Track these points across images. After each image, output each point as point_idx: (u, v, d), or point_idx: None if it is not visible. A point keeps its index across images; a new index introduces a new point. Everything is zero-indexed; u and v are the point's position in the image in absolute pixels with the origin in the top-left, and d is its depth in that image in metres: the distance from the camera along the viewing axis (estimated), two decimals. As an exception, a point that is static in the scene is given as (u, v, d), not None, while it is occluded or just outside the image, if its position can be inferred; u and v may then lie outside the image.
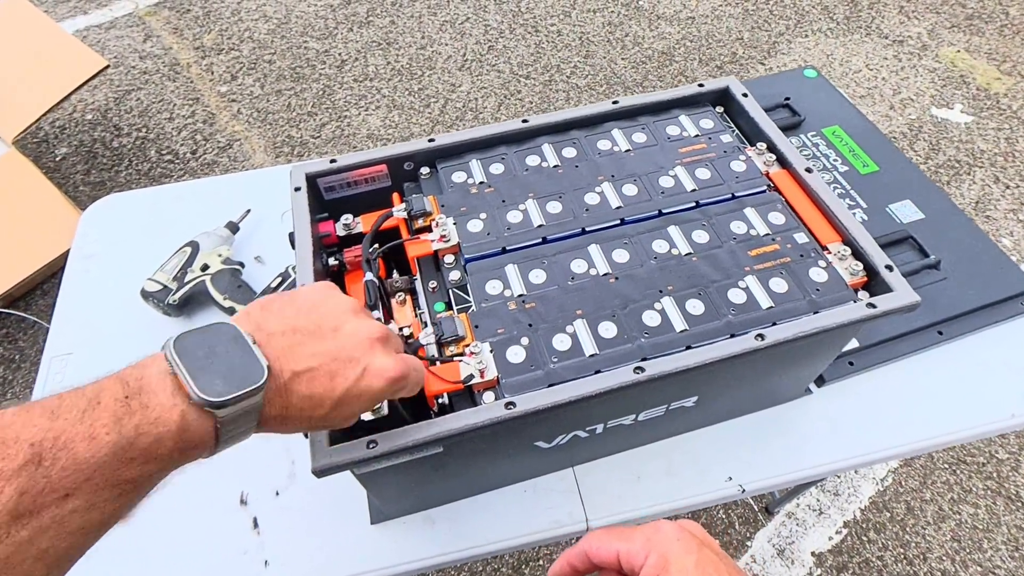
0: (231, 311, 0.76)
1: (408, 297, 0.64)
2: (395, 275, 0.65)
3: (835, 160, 0.90)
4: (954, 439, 0.71)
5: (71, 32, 2.54)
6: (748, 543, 1.38)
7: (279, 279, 0.74)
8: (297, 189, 0.62)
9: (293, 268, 0.75)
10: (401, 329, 0.61)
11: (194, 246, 0.81)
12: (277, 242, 0.89)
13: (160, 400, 0.31)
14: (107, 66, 1.70)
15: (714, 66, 2.35)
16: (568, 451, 0.63)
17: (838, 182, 0.87)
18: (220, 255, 0.81)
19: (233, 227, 0.86)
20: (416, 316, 0.62)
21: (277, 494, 0.67)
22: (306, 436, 0.45)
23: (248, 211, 0.88)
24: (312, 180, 0.64)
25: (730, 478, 0.67)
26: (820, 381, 0.73)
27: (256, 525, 0.65)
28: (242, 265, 0.82)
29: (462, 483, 0.63)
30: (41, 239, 1.54)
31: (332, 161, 0.64)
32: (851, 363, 0.73)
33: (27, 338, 1.72)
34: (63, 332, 0.80)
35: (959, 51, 2.38)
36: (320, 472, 0.44)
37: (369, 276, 0.56)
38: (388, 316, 0.62)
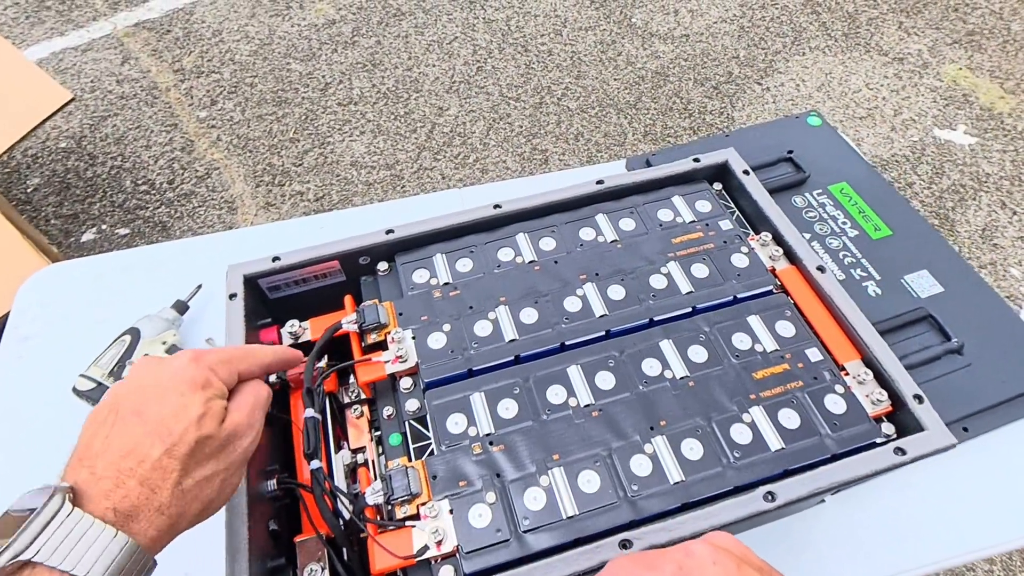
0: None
1: (366, 409, 0.56)
2: (351, 381, 0.57)
3: (844, 223, 0.82)
4: (988, 553, 0.63)
5: (46, 54, 2.46)
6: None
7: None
8: (232, 296, 0.53)
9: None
10: (355, 453, 0.53)
11: (134, 334, 0.72)
12: (232, 319, 0.81)
13: None
14: (72, 99, 1.62)
15: (710, 86, 2.28)
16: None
17: (848, 249, 0.79)
18: (164, 342, 0.73)
19: (181, 307, 0.78)
20: (371, 438, 0.54)
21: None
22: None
23: (199, 287, 0.80)
24: (252, 281, 0.56)
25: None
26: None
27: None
28: (190, 352, 0.74)
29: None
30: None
31: (275, 259, 0.56)
32: (868, 467, 0.65)
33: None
34: (-11, 431, 0.72)
35: (961, 68, 2.31)
36: None
37: (310, 413, 0.48)
38: (342, 436, 0.54)
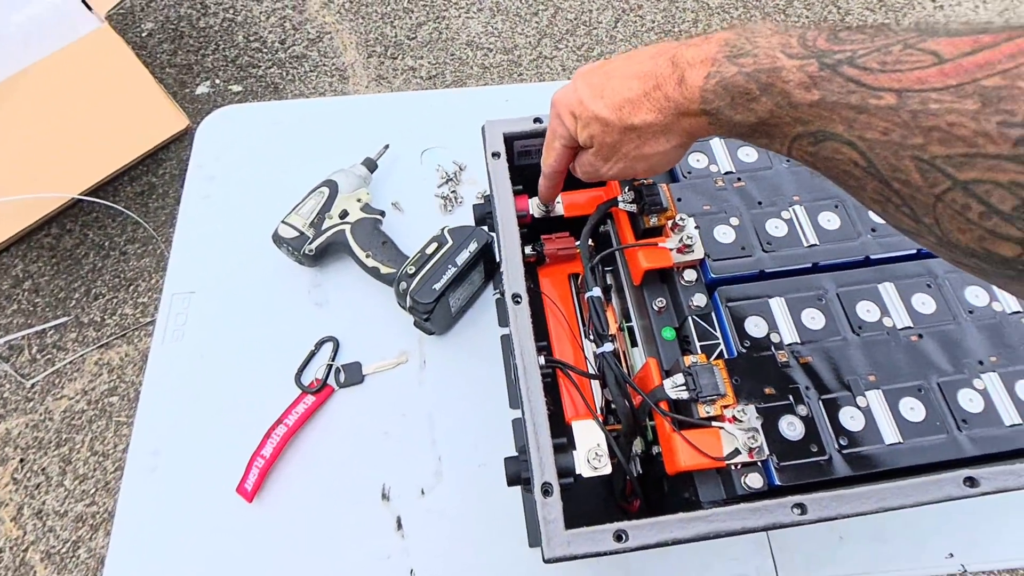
0: (375, 272, 0.66)
1: (615, 298, 0.52)
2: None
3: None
4: None
5: None
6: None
7: (435, 244, 0.63)
8: (495, 155, 0.49)
9: (448, 231, 0.64)
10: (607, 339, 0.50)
11: (332, 187, 0.69)
12: (416, 186, 0.77)
13: None
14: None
15: (874, -3, 2.00)
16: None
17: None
18: (359, 200, 0.70)
19: (371, 164, 0.74)
20: (620, 326, 0.51)
21: (422, 493, 0.60)
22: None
23: (386, 147, 0.76)
24: (508, 141, 0.51)
25: (951, 555, 0.57)
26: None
27: (400, 526, 0.58)
28: (382, 214, 0.71)
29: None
30: (133, 129, 1.46)
31: (536, 120, 0.50)
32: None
33: (116, 225, 1.69)
34: (184, 267, 0.72)
35: None
36: (554, 561, 0.35)
37: (596, 292, 0.44)
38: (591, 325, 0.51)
